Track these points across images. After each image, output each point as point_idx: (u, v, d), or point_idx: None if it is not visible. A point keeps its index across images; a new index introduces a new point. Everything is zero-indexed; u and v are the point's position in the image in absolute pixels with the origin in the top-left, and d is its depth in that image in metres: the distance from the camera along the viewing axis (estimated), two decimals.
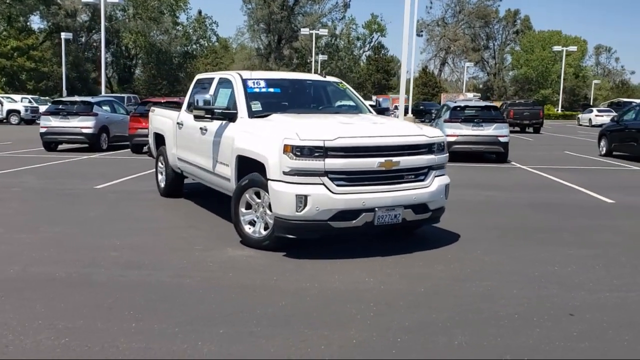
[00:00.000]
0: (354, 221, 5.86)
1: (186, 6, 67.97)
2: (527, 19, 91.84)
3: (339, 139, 5.79)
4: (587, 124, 45.37)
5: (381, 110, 7.98)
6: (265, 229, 6.30)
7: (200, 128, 7.62)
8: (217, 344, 3.86)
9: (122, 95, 35.11)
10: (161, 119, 9.53)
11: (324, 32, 55.46)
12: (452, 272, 5.60)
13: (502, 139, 15.81)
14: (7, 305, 4.53)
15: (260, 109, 6.97)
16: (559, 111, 62.24)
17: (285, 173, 5.79)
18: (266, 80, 7.42)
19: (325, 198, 5.73)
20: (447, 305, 4.68)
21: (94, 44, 66.19)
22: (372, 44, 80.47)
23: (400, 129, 6.46)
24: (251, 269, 5.63)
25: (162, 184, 9.60)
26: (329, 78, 8.17)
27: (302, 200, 5.71)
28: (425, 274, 5.54)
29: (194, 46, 71.60)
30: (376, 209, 5.88)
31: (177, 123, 8.60)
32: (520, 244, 6.81)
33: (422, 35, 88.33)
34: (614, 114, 45.08)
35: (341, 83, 8.16)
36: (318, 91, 7.91)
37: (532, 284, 5.27)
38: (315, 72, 42.62)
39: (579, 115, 50.00)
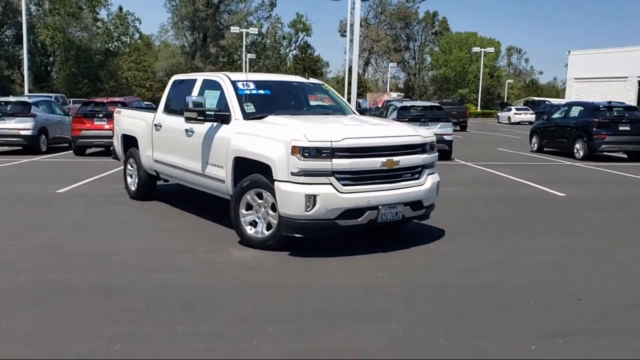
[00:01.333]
0: (360, 219, 6.08)
1: (107, 2, 65.57)
2: (444, 21, 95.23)
3: (345, 139, 5.99)
4: (507, 122, 47.73)
5: (362, 111, 8.22)
6: (267, 229, 6.40)
7: (186, 130, 7.58)
8: (275, 343, 3.96)
9: (50, 94, 33.53)
10: (131, 121, 9.35)
11: (254, 30, 55.19)
12: (455, 265, 5.93)
13: (447, 137, 16.48)
14: (38, 313, 4.42)
15: (254, 110, 7.04)
16: (478, 110, 64.96)
17: (293, 174, 5.92)
18: (255, 82, 7.48)
19: (333, 197, 5.91)
20: (468, 296, 4.99)
21: (6, 39, 62.71)
22: (297, 44, 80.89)
23: (398, 129, 6.74)
24: (265, 269, 5.73)
25: (133, 187, 9.43)
26: (312, 80, 8.33)
27: (311, 199, 5.86)
28: (431, 268, 5.84)
29: (116, 43, 69.16)
30: (380, 206, 6.13)
31: (154, 125, 8.48)
32: (503, 235, 7.26)
33: (346, 36, 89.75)
34: (531, 111, 47.99)
35: (324, 85, 8.36)
36: (304, 93, 8.06)
37: (531, 273, 5.69)
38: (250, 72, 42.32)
39: (498, 114, 52.46)
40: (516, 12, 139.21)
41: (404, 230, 7.38)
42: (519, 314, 4.59)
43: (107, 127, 16.55)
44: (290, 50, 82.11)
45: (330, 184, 5.92)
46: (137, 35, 73.08)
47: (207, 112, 7.01)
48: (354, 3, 32.34)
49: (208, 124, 7.16)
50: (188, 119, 7.13)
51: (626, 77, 49.26)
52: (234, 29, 52.01)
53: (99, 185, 10.89)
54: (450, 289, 5.19)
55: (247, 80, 7.43)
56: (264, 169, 6.24)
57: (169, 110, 8.36)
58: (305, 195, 5.86)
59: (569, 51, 57.84)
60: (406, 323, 4.34)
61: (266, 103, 7.41)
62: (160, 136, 8.36)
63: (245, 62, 52.02)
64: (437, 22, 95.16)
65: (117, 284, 5.17)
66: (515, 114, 47.87)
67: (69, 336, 4.00)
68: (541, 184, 11.66)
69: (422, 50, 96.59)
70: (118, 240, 6.72)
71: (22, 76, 60.21)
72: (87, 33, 62.79)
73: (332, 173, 5.93)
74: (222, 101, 7.24)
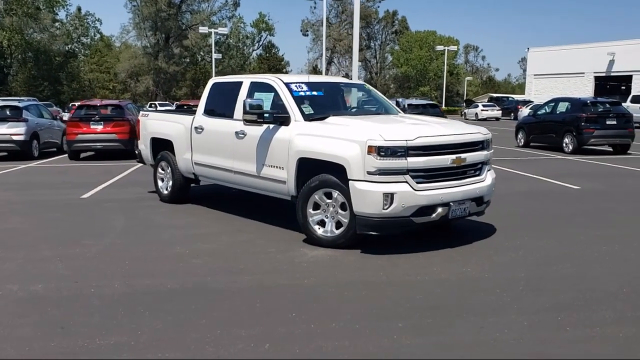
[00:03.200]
0: (433, 216, 6.23)
1: (65, 2, 63.92)
2: (404, 20, 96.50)
3: (419, 138, 6.14)
4: (474, 118, 48.64)
5: (403, 111, 8.38)
6: (337, 228, 6.49)
7: (236, 132, 7.59)
8: (413, 337, 4.08)
9: (23, 98, 32.50)
10: (165, 124, 9.26)
11: (223, 30, 54.62)
12: (528, 258, 6.14)
13: None
14: (161, 319, 4.41)
15: (313, 112, 7.12)
16: (444, 107, 66.02)
17: (369, 173, 6.02)
18: (307, 83, 7.54)
19: (409, 195, 6.05)
20: (561, 287, 5.19)
21: None
22: (261, 43, 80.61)
23: (461, 127, 6.92)
24: (350, 267, 5.82)
25: (166, 191, 9.34)
26: (355, 81, 8.44)
27: (388, 198, 5.99)
28: (507, 262, 6.03)
29: (76, 45, 67.44)
30: (451, 203, 6.30)
31: (195, 127, 8.44)
32: (550, 229, 7.52)
33: (307, 35, 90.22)
34: (497, 108, 49.20)
35: (366, 85, 8.48)
36: (351, 93, 8.17)
37: (603, 263, 5.95)
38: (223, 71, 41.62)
39: (465, 110, 53.47)
40: (473, 11, 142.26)
41: (455, 226, 7.56)
42: (620, 302, 4.82)
43: (99, 130, 16.31)
44: (253, 50, 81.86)
45: (406, 182, 6.06)
46: (97, 36, 71.52)
47: (265, 115, 7.04)
48: (315, 3, 32.40)
49: (264, 126, 7.18)
50: (247, 122, 7.15)
51: (583, 73, 50.94)
52: (202, 29, 51.46)
53: (120, 190, 10.73)
54: (540, 281, 5.38)
55: (299, 82, 7.49)
56: (334, 169, 6.32)
57: (210, 112, 8.34)
58: (383, 193, 5.98)
59: (528, 48, 59.40)
60: (524, 315, 4.51)
61: (320, 104, 7.47)
62: (203, 139, 8.32)
63: (212, 62, 51.53)
64: (397, 21, 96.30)
65: (214, 286, 5.18)
66: (482, 110, 48.93)
67: (211, 339, 4.02)
68: (551, 178, 12.07)
69: (383, 49, 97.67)
70: (182, 244, 6.68)
71: None
72: (45, 34, 61.14)
73: (407, 171, 6.07)
74: (277, 103, 7.27)
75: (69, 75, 63.67)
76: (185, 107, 20.15)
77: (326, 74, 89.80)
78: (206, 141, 8.29)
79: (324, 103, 7.59)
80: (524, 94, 65.33)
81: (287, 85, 7.36)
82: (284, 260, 6.03)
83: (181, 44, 69.62)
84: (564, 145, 17.94)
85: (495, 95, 74.93)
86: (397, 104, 8.29)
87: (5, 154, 16.57)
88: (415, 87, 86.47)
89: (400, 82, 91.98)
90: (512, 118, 44.76)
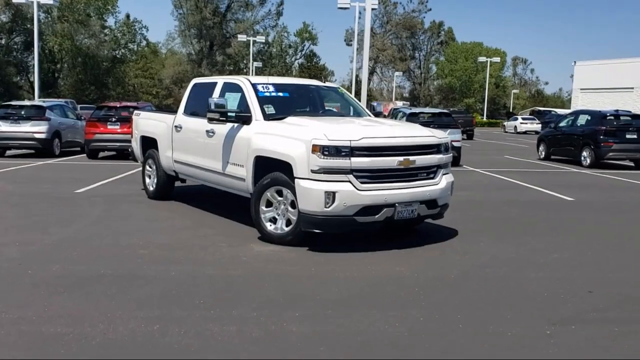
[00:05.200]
0: (377, 216, 6.30)
1: (114, 9, 66.22)
2: (450, 31, 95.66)
3: (364, 139, 6.23)
4: (513, 131, 47.92)
5: (376, 114, 8.47)
6: (287, 225, 6.63)
7: (207, 131, 7.83)
8: (303, 325, 4.19)
9: (60, 100, 33.87)
10: (151, 123, 9.61)
11: (261, 39, 55.60)
12: (469, 261, 6.14)
13: (455, 144, 16.60)
14: (74, 299, 4.64)
15: (274, 111, 7.30)
16: (484, 119, 65.20)
17: (313, 171, 6.15)
18: (274, 85, 7.74)
19: (351, 194, 6.14)
20: (484, 287, 5.21)
21: (15, 46, 63.36)
22: (303, 52, 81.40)
23: (414, 130, 6.98)
24: (285, 262, 5.95)
25: (152, 187, 9.67)
26: (328, 84, 8.59)
27: (330, 196, 6.09)
28: (447, 263, 6.06)
29: (123, 51, 69.70)
30: (396, 204, 6.35)
31: (175, 126, 8.73)
32: (512, 235, 7.47)
33: (351, 45, 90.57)
34: (537, 121, 48.22)
35: (339, 88, 8.61)
36: (321, 95, 8.32)
37: (543, 268, 5.90)
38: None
39: (505, 123, 52.69)
40: (522, 23, 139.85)
41: (419, 229, 7.58)
42: (536, 302, 4.81)
43: (119, 131, 16.88)
44: (296, 59, 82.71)
45: (349, 181, 6.15)
46: (144, 43, 73.66)
47: (229, 113, 7.26)
48: (360, 12, 32.73)
49: (229, 125, 7.40)
50: (210, 120, 7.37)
51: (633, 88, 49.37)
52: (242, 37, 52.44)
53: (115, 187, 11.14)
54: (467, 281, 5.39)
55: (266, 83, 7.69)
56: (285, 167, 6.47)
57: (189, 112, 8.62)
58: (325, 192, 6.09)
59: (575, 62, 58.01)
60: (425, 310, 4.56)
61: (285, 105, 7.66)
62: (181, 137, 8.61)
63: (252, 70, 52.39)
64: (443, 32, 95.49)
65: (145, 273, 5.40)
66: (521, 123, 48.12)
67: (109, 318, 4.23)
68: (549, 189, 11.87)
69: (427, 59, 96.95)
70: (140, 235, 6.95)
71: (30, 82, 60.95)
72: (94, 40, 63.35)
73: (351, 171, 6.16)
74: (243, 103, 7.49)
75: (115, 80, 65.76)
76: None
77: (368, 83, 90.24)
78: (183, 140, 8.57)
79: (289, 104, 7.76)
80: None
81: (254, 85, 7.57)
82: (229, 254, 6.20)
83: (224, 51, 71.07)
84: (582, 158, 17.54)
85: (540, 108, 73.36)
86: (372, 108, 8.34)
87: (32, 151, 17.35)
88: (460, 99, 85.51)
89: (445, 93, 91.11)
90: None
